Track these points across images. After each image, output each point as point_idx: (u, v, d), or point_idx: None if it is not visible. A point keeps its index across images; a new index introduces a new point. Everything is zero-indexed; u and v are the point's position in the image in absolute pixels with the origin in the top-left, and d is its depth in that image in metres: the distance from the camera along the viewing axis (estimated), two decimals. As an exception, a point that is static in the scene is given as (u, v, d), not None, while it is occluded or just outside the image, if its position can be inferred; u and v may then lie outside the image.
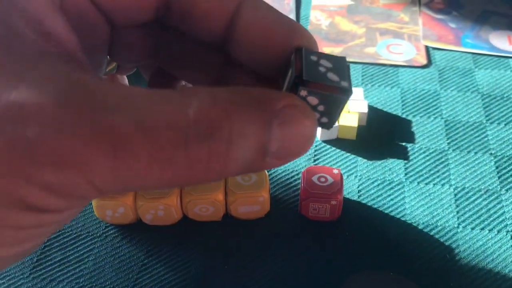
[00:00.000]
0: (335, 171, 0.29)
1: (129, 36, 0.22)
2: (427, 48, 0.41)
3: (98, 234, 0.29)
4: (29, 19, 0.16)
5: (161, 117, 0.15)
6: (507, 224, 0.29)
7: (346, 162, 0.32)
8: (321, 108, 0.19)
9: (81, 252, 0.28)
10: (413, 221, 0.29)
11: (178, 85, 0.25)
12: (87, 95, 0.15)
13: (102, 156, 0.15)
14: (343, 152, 0.33)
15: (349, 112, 0.34)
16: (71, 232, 0.29)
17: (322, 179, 0.29)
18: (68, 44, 0.17)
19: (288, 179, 0.32)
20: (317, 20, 0.43)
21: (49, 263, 0.28)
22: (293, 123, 0.16)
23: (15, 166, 0.14)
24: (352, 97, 0.35)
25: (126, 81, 0.28)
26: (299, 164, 0.32)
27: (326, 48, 0.40)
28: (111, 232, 0.29)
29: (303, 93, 0.18)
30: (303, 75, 0.18)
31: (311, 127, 0.17)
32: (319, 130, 0.33)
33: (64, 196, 0.15)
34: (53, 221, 0.17)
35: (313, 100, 0.18)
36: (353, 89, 0.35)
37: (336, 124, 0.33)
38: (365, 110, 0.34)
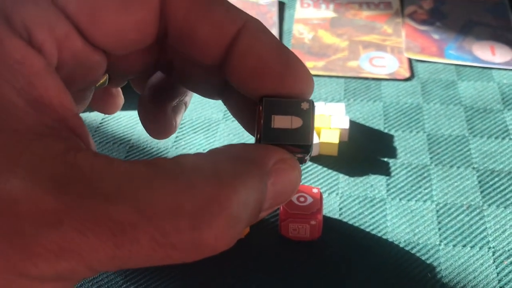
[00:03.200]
0: (315, 190, 0.29)
1: (125, 58, 0.21)
2: (410, 60, 0.41)
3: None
4: (22, 86, 0.15)
5: (164, 203, 0.15)
6: (488, 241, 0.29)
7: (327, 180, 0.32)
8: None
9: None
10: (394, 239, 0.29)
11: (174, 98, 0.25)
12: (84, 182, 0.15)
13: (101, 246, 0.14)
14: (324, 168, 0.33)
15: (330, 128, 0.34)
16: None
17: (302, 199, 0.28)
18: (61, 110, 0.16)
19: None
20: (300, 33, 0.43)
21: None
22: (283, 178, 0.18)
23: (8, 261, 0.14)
24: (333, 112, 0.35)
25: (120, 92, 0.27)
26: (280, 182, 0.32)
27: (308, 63, 0.40)
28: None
29: None
30: (261, 137, 0.19)
31: (298, 176, 0.19)
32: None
33: (59, 281, 0.15)
34: None
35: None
36: (335, 104, 0.35)
37: (317, 140, 0.33)
38: (347, 126, 0.34)
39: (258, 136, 0.19)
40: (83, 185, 0.15)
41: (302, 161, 0.20)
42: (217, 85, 0.22)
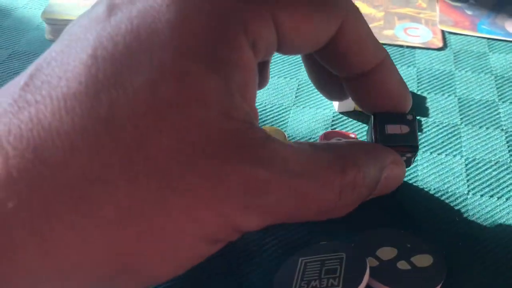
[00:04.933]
0: (352, 135, 0.30)
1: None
2: (443, 32, 0.42)
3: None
4: (239, 84, 0.18)
5: (328, 180, 0.20)
6: (515, 193, 0.30)
7: (362, 132, 0.34)
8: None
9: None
10: (424, 187, 0.30)
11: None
12: (284, 163, 0.19)
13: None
14: (359, 122, 0.34)
15: (366, 86, 0.35)
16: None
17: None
18: (254, 105, 0.20)
19: (306, 145, 0.33)
20: (337, 3, 0.45)
21: None
22: (395, 174, 0.24)
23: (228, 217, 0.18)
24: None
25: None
26: (317, 133, 0.34)
27: (345, 29, 0.42)
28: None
29: None
30: (378, 140, 0.24)
31: (403, 175, 0.25)
32: (336, 102, 0.35)
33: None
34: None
35: None
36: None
37: (354, 96, 0.35)
38: (382, 84, 0.35)
39: (375, 140, 0.25)
40: (283, 164, 0.19)
41: (408, 163, 0.26)
42: (334, 86, 0.27)
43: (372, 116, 0.25)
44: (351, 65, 0.23)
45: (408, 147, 0.25)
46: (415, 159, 0.28)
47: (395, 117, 0.25)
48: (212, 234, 0.18)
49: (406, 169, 0.26)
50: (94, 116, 0.16)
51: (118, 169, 0.16)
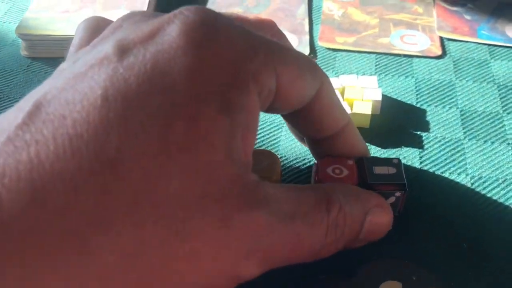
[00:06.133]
0: (350, 161, 0.28)
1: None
2: (441, 39, 0.40)
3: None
4: (243, 129, 0.19)
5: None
6: (526, 214, 0.28)
7: (359, 150, 0.32)
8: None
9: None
10: (429, 210, 0.28)
11: None
12: (275, 204, 0.19)
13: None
14: (356, 140, 0.32)
15: (362, 100, 0.33)
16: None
17: (337, 171, 0.28)
18: (250, 150, 0.20)
19: (299, 167, 0.31)
20: (329, 10, 0.43)
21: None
22: (379, 219, 0.23)
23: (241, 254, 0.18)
24: (366, 85, 0.34)
25: None
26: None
27: (339, 38, 0.40)
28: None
29: None
30: (369, 179, 0.25)
31: (390, 220, 0.24)
32: (331, 117, 0.33)
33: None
34: None
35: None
36: (367, 77, 0.35)
37: (349, 111, 0.32)
38: (379, 98, 0.33)
39: (364, 180, 0.26)
40: (278, 207, 0.19)
41: (396, 207, 0.26)
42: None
43: (357, 160, 0.27)
44: (323, 127, 0.25)
45: (396, 185, 0.26)
46: (404, 205, 0.27)
47: (381, 160, 0.27)
48: (211, 285, 0.18)
49: (396, 213, 0.26)
50: (101, 158, 0.15)
51: (123, 213, 0.15)
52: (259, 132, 0.33)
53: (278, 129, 0.33)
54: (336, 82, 0.34)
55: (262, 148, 0.32)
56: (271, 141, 0.32)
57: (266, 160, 0.28)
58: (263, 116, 0.34)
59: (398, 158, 0.27)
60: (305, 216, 0.20)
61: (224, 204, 0.17)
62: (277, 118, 0.34)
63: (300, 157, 0.31)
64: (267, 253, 0.19)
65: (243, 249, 0.18)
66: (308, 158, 0.31)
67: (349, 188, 0.24)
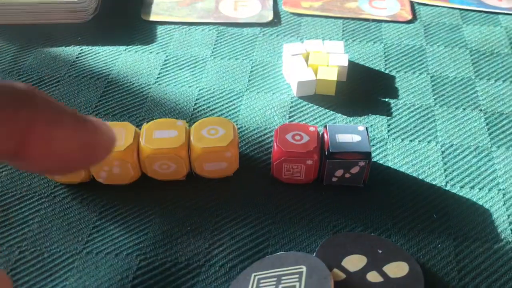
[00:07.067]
0: (312, 128, 0.26)
1: None
2: (412, 3, 0.38)
3: (45, 195, 0.26)
4: None
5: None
6: (498, 182, 0.26)
7: (324, 119, 0.29)
8: (347, 175, 0.25)
9: (25, 214, 0.25)
10: (396, 179, 0.26)
11: None
12: None
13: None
14: (321, 108, 0.30)
15: (328, 66, 0.31)
16: (15, 193, 0.26)
17: (297, 137, 0.26)
18: None
19: (260, 136, 0.29)
20: (295, -26, 0.40)
21: (-11, 226, 0.24)
22: None
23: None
24: (332, 50, 0.32)
25: None
26: (273, 122, 0.29)
27: (304, 3, 0.37)
28: (61, 192, 0.26)
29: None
30: (329, 148, 0.24)
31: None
32: (294, 84, 0.30)
33: None
34: None
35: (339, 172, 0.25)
36: (333, 42, 0.33)
37: (314, 78, 0.30)
38: (345, 63, 0.31)
39: (326, 149, 0.24)
40: None
41: (360, 179, 0.25)
42: None
43: (324, 127, 0.25)
44: None
45: (360, 153, 0.24)
46: (369, 175, 0.26)
47: (345, 128, 0.25)
48: None
49: (361, 183, 0.25)
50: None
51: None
52: (218, 101, 0.31)
53: (238, 98, 0.31)
54: (300, 47, 0.32)
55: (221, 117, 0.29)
56: (230, 110, 0.30)
57: (221, 129, 0.26)
58: (222, 85, 0.32)
59: (364, 125, 0.25)
60: None
61: None
62: (237, 87, 0.32)
63: (261, 127, 0.29)
64: None
65: None
66: (269, 128, 0.29)
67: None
